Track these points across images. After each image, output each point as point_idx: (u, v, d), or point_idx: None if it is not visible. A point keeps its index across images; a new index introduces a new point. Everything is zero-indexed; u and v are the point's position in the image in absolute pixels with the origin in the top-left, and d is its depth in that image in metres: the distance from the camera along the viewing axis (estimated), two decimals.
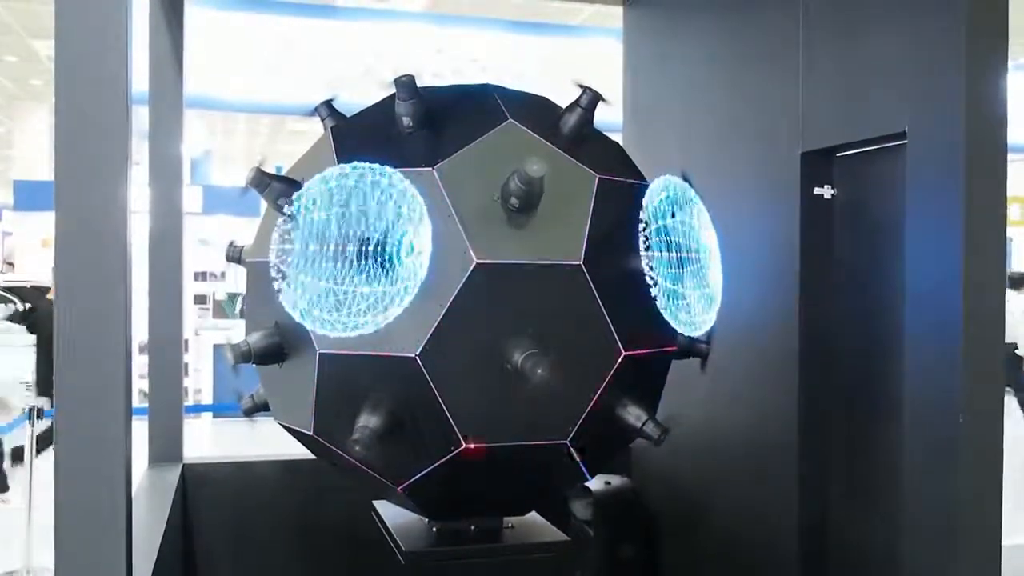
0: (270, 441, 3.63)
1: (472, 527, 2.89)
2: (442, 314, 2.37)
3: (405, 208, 2.38)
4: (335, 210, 2.41)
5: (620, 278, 2.60)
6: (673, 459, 3.68)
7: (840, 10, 2.87)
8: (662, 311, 2.68)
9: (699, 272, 2.84)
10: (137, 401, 7.36)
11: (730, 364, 3.35)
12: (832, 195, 3.00)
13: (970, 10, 2.34)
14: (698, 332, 2.88)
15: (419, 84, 2.56)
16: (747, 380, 3.33)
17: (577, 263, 2.48)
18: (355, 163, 2.44)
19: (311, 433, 2.64)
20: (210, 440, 10.49)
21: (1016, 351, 10.45)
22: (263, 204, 2.75)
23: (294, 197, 2.48)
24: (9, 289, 12.67)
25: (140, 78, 2.67)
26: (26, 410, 6.18)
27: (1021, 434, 7.36)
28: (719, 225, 2.98)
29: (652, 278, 2.63)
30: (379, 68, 10.60)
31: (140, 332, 4.17)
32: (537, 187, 2.37)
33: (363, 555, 3.22)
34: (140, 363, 4.81)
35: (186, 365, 8.35)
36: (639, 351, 2.59)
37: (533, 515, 3.05)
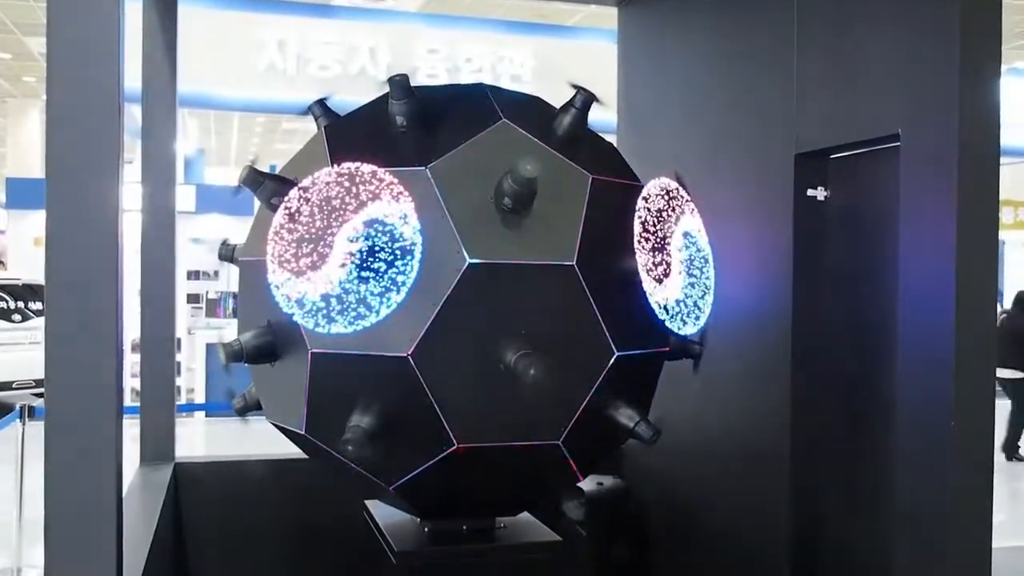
0: (262, 440, 3.63)
1: (464, 527, 2.89)
2: (435, 313, 2.37)
3: (398, 207, 2.38)
4: (330, 209, 2.41)
5: (613, 278, 2.60)
6: (665, 460, 3.69)
7: (834, 12, 2.88)
8: (661, 315, 2.68)
9: (693, 272, 2.84)
10: (129, 400, 7.34)
11: (723, 365, 3.35)
12: (825, 197, 3.00)
13: (963, 13, 2.34)
14: (691, 332, 2.87)
15: (413, 84, 2.55)
16: (740, 381, 3.33)
17: (570, 263, 2.47)
18: (349, 163, 2.44)
19: (303, 432, 2.63)
20: (202, 439, 10.47)
21: None
22: (256, 203, 2.75)
23: (288, 195, 2.47)
24: (1, 287, 12.64)
25: (133, 76, 2.66)
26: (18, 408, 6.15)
27: None
28: (712, 226, 2.98)
29: (661, 277, 2.63)
30: (373, 67, 10.60)
31: (132, 330, 4.17)
32: (531, 187, 2.37)
33: (355, 555, 3.22)
34: (132, 361, 4.80)
35: (178, 364, 8.34)
36: (632, 351, 2.59)
37: (525, 515, 3.05)
